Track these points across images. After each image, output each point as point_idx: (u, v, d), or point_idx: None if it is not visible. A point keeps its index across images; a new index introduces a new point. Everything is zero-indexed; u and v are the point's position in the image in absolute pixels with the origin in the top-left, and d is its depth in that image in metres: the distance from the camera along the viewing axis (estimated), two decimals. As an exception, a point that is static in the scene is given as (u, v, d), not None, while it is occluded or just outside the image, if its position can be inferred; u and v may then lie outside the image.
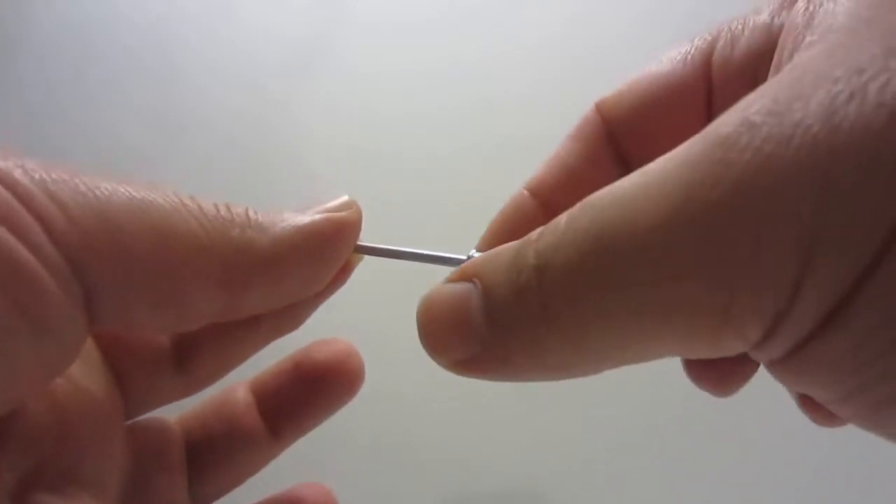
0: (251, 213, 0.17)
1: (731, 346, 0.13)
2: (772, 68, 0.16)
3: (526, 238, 0.15)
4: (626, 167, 0.20)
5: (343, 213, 0.18)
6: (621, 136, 0.19)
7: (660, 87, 0.19)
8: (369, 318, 0.38)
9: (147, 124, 0.63)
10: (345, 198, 0.19)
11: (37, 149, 0.57)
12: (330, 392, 0.21)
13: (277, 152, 0.60)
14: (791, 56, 0.14)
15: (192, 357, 0.20)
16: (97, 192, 0.15)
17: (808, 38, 0.14)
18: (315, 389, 0.21)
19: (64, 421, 0.17)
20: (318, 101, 0.60)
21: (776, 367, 0.13)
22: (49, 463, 0.17)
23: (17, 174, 0.14)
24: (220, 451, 0.21)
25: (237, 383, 0.21)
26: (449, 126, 0.56)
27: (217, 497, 0.21)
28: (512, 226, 0.21)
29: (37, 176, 0.14)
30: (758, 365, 0.18)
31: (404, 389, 0.42)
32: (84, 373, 0.18)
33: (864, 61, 0.11)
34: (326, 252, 0.18)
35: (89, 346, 0.19)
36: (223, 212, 0.17)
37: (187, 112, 0.63)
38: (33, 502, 0.17)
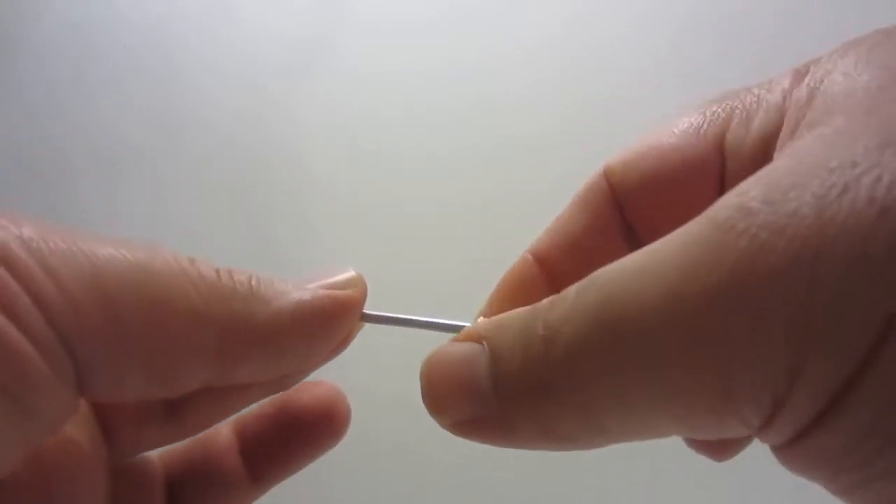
0: (253, 282, 0.17)
1: (733, 431, 0.13)
2: (776, 149, 0.16)
3: (536, 306, 0.15)
4: (632, 235, 0.20)
5: (347, 292, 0.18)
6: (629, 205, 0.19)
7: (673, 160, 0.19)
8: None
9: (147, 124, 0.63)
10: (351, 273, 0.18)
11: (37, 149, 0.57)
12: (313, 438, 0.20)
13: (277, 152, 0.60)
14: (792, 135, 0.14)
15: (182, 409, 0.19)
16: (94, 262, 0.14)
17: (808, 117, 0.14)
18: (298, 434, 0.20)
19: (47, 477, 0.17)
20: (317, 101, 0.60)
21: (779, 453, 0.13)
22: None
23: (14, 246, 0.14)
24: (199, 492, 0.20)
25: (222, 423, 0.21)
26: (449, 126, 0.56)
27: None
28: (516, 292, 0.21)
29: (34, 246, 0.14)
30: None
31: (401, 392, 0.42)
32: (70, 423, 0.18)
33: (859, 153, 0.12)
34: (327, 330, 0.17)
35: None
36: (225, 279, 0.16)
37: (187, 112, 0.63)
38: None
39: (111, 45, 0.66)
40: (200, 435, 0.21)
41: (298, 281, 0.18)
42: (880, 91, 0.13)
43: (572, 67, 0.57)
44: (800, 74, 0.16)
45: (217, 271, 0.16)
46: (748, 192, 0.12)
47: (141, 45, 0.65)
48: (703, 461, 0.20)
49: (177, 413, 0.19)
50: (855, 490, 0.12)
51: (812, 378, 0.11)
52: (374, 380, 0.39)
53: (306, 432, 0.20)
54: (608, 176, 0.20)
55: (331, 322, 0.17)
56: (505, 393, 0.15)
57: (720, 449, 0.19)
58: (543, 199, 0.52)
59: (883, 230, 0.11)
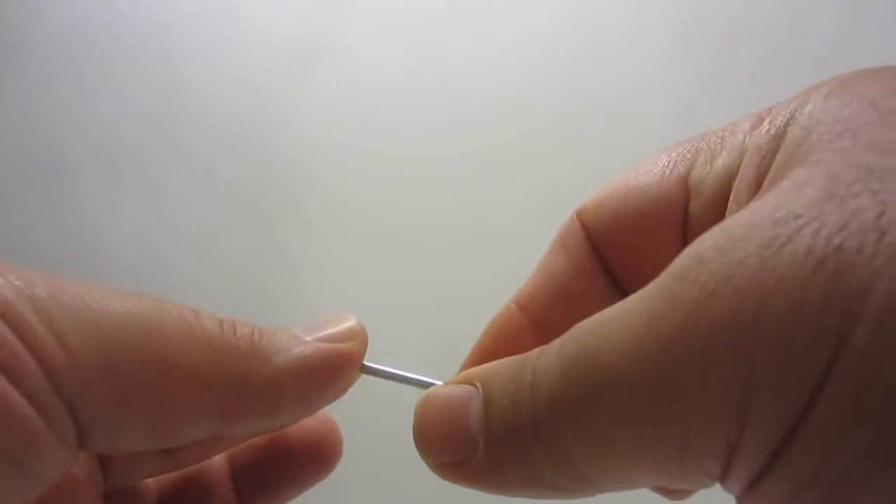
0: (255, 337, 0.17)
1: (700, 480, 0.13)
2: (734, 189, 0.16)
3: (527, 354, 0.15)
4: (611, 275, 0.20)
5: (347, 346, 0.18)
6: (603, 244, 0.20)
7: (640, 198, 0.19)
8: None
9: (147, 124, 0.63)
10: (351, 322, 0.18)
11: (37, 149, 0.57)
12: (303, 470, 0.21)
13: (277, 152, 0.60)
14: (754, 178, 0.15)
15: (178, 448, 0.19)
16: (100, 321, 0.15)
17: (773, 167, 0.14)
18: (288, 466, 0.21)
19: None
20: (317, 101, 0.60)
21: (743, 502, 0.13)
22: None
23: (21, 307, 0.14)
24: None
25: None
26: (449, 125, 0.56)
27: None
28: (501, 342, 0.21)
29: (41, 306, 0.14)
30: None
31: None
32: None
33: (802, 205, 0.12)
34: (327, 384, 0.17)
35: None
36: (227, 335, 0.16)
37: (187, 112, 0.63)
38: None
39: (111, 45, 0.66)
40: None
41: (299, 330, 0.18)
42: (837, 136, 0.13)
43: (574, 65, 0.57)
44: (760, 118, 0.16)
45: (221, 325, 0.16)
46: (704, 241, 0.13)
47: (141, 45, 0.65)
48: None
49: (172, 449, 0.19)
50: None
51: (759, 422, 0.12)
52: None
53: (297, 464, 0.20)
54: (581, 217, 0.20)
55: (331, 376, 0.17)
56: (494, 436, 0.15)
57: (672, 492, 0.20)
58: (543, 198, 0.52)
59: (819, 281, 0.11)
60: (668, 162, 0.19)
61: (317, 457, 0.20)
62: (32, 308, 0.14)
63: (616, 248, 0.19)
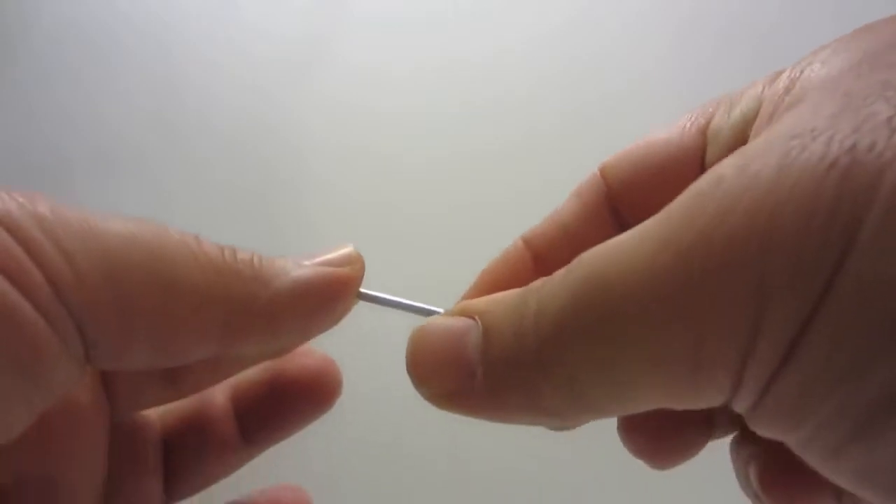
0: (255, 262, 0.17)
1: (710, 396, 0.13)
2: (752, 132, 0.17)
3: (529, 286, 0.16)
4: (624, 227, 0.21)
5: (345, 270, 0.18)
6: (620, 197, 0.20)
7: (657, 152, 0.20)
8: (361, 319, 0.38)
9: (147, 124, 0.63)
10: (349, 249, 0.19)
11: (37, 149, 0.57)
12: (305, 405, 0.21)
13: (278, 152, 0.60)
14: (770, 118, 0.16)
15: (181, 372, 0.20)
16: (105, 240, 0.15)
17: (786, 101, 0.15)
18: (290, 402, 0.21)
19: (47, 432, 0.17)
20: (318, 101, 0.60)
21: (752, 419, 0.14)
22: (29, 474, 0.18)
23: (28, 224, 0.14)
24: (194, 453, 0.21)
25: (218, 386, 0.22)
26: (449, 125, 0.56)
27: (188, 495, 0.21)
28: (505, 275, 0.22)
29: (47, 224, 0.14)
30: (702, 443, 0.19)
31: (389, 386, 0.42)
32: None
33: (819, 119, 0.13)
34: (325, 307, 0.18)
35: None
36: (229, 259, 0.17)
37: (187, 112, 0.63)
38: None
39: (111, 45, 0.66)
40: (197, 399, 0.21)
41: (298, 257, 0.18)
42: (849, 69, 0.14)
43: (574, 64, 0.57)
44: (778, 73, 0.17)
45: (222, 251, 0.17)
46: (723, 163, 0.13)
47: (141, 45, 0.65)
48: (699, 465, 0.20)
49: (175, 375, 0.20)
50: (811, 441, 0.13)
51: (772, 327, 0.12)
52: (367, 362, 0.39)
53: (299, 400, 0.21)
54: (603, 172, 0.21)
55: (329, 299, 0.18)
56: (494, 365, 0.15)
57: (664, 455, 0.20)
58: (544, 198, 0.52)
59: (831, 180, 0.12)
60: (689, 117, 0.19)
61: (317, 393, 0.21)
62: (38, 226, 0.14)
63: (634, 200, 0.20)
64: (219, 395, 0.22)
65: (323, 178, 0.59)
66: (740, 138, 0.17)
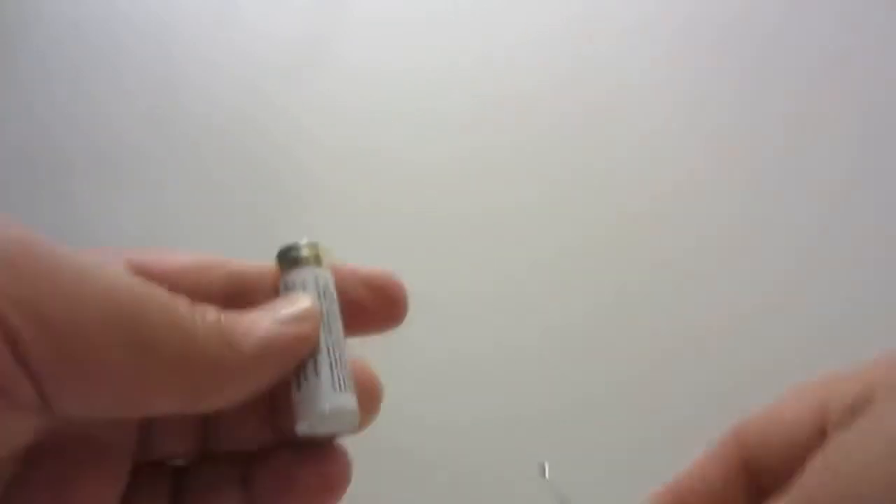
0: (224, 324, 0.18)
1: None
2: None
3: None
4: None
5: (304, 326, 0.19)
6: (762, 470, 0.22)
7: (788, 430, 0.22)
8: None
9: (147, 124, 0.63)
10: (307, 304, 0.19)
11: (37, 149, 0.57)
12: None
13: (277, 152, 0.60)
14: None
15: (217, 428, 0.21)
16: (82, 298, 0.15)
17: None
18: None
19: (64, 466, 0.18)
20: (317, 101, 0.60)
21: None
22: (60, 430, 0.18)
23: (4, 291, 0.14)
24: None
25: None
26: (449, 125, 0.56)
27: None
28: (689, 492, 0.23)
29: (20, 279, 0.14)
30: None
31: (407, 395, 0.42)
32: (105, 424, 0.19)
33: None
34: (288, 362, 0.19)
35: None
36: (199, 324, 0.17)
37: (187, 112, 0.63)
38: (46, 471, 0.17)
39: (111, 45, 0.66)
40: None
41: (261, 312, 0.19)
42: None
43: (574, 66, 0.57)
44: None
45: (193, 315, 0.17)
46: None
47: (141, 45, 0.65)
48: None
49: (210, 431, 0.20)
50: None
51: None
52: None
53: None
54: (741, 436, 0.23)
55: (289, 356, 0.19)
56: None
57: None
58: (544, 199, 0.52)
59: None
60: (811, 397, 0.21)
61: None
62: (10, 279, 0.14)
63: (764, 464, 0.22)
64: None
65: (322, 177, 0.58)
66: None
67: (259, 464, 0.21)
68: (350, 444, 0.21)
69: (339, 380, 0.20)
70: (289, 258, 0.21)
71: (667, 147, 0.51)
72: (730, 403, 0.44)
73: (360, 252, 0.19)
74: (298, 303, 0.19)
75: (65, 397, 0.15)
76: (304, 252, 0.22)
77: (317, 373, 0.19)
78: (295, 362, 0.19)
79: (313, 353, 0.19)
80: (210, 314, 0.17)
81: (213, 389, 0.17)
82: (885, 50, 0.51)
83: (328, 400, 0.19)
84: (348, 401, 0.19)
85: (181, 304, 0.17)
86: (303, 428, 0.19)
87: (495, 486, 0.43)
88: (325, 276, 0.20)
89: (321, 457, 0.20)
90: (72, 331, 0.15)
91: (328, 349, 0.20)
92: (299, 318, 0.19)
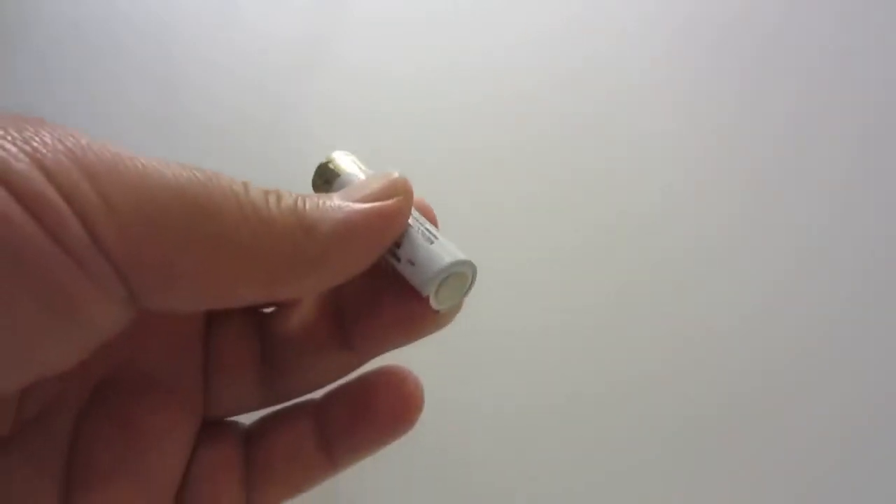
0: (299, 208, 0.17)
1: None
2: None
3: None
4: None
5: (391, 203, 0.18)
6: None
7: None
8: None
9: (147, 124, 0.63)
10: (394, 177, 0.18)
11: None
12: (386, 424, 0.20)
13: (278, 152, 0.60)
14: None
15: (277, 378, 0.20)
16: (151, 190, 0.15)
17: None
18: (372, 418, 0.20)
19: (143, 326, 0.18)
20: (318, 101, 0.60)
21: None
22: (125, 368, 0.18)
23: (68, 169, 0.14)
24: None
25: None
26: (450, 125, 0.56)
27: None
28: None
29: (92, 171, 0.14)
30: None
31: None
32: (173, 382, 0.19)
33: None
34: (371, 247, 0.18)
35: None
36: (274, 209, 0.16)
37: (187, 112, 0.63)
38: (112, 406, 0.18)
39: (111, 44, 0.66)
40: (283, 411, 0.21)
41: (342, 193, 0.18)
42: None
43: (575, 67, 0.57)
44: None
45: (267, 199, 0.16)
46: None
47: (141, 45, 0.65)
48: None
49: (275, 380, 0.20)
50: None
51: None
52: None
53: (380, 418, 0.20)
54: None
55: (376, 237, 0.17)
56: None
57: None
58: (545, 199, 0.52)
59: None
60: None
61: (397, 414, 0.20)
62: (84, 173, 0.14)
63: None
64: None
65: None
66: None
67: (330, 396, 0.21)
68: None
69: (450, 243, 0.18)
70: (330, 169, 0.20)
71: (667, 147, 0.51)
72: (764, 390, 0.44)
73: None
74: (383, 177, 0.18)
75: (145, 292, 0.15)
76: (344, 156, 0.21)
77: (429, 238, 0.18)
78: (381, 244, 0.18)
79: (409, 225, 0.18)
80: (286, 199, 0.17)
81: (289, 277, 0.16)
82: (885, 50, 0.51)
83: (456, 252, 0.18)
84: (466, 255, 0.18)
85: (252, 190, 0.16)
86: (433, 286, 0.18)
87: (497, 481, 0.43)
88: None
89: (393, 381, 0.20)
90: (145, 226, 0.14)
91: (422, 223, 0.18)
92: (386, 192, 0.18)
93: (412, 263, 0.18)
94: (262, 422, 0.21)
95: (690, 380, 0.44)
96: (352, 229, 0.17)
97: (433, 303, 0.18)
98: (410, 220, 0.18)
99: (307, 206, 0.17)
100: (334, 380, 0.21)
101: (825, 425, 0.42)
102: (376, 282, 0.20)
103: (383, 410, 0.20)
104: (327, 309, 0.21)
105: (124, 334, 0.17)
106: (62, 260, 0.14)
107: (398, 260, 0.18)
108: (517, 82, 0.57)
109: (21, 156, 0.13)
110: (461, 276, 0.19)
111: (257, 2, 0.65)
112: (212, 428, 0.20)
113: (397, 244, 0.18)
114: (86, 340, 0.15)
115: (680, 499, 0.41)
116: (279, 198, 0.17)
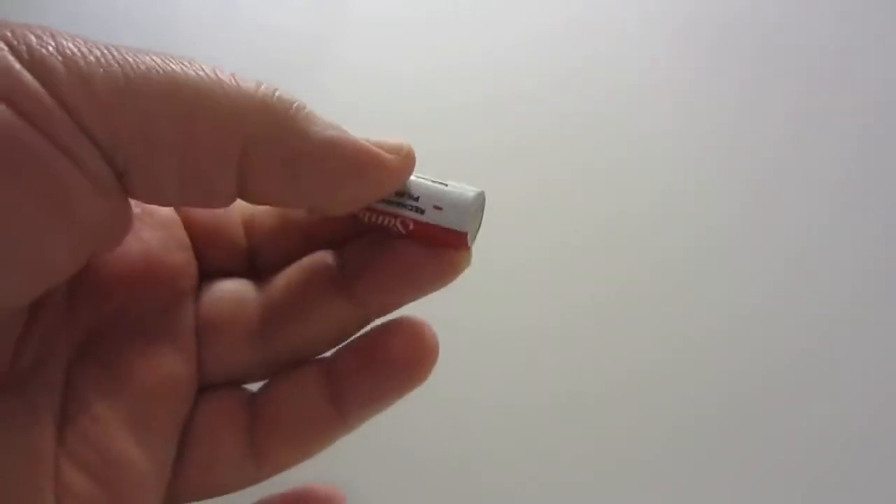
0: (294, 107, 0.17)
1: None
2: None
3: None
4: None
5: (390, 156, 0.18)
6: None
7: None
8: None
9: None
10: (402, 141, 0.18)
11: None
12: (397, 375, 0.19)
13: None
14: None
15: (271, 342, 0.20)
16: (128, 73, 0.15)
17: None
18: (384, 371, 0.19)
19: (134, 277, 0.18)
20: (318, 101, 0.60)
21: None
22: (117, 317, 0.18)
23: (51, 61, 0.14)
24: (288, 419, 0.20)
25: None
26: (450, 125, 0.56)
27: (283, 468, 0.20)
28: None
29: (70, 60, 0.14)
30: None
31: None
32: (162, 242, 0.19)
33: None
34: (352, 177, 0.17)
35: (176, 225, 0.20)
36: (264, 92, 0.16)
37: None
38: (104, 353, 0.18)
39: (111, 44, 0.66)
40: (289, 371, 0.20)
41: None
42: None
43: (575, 67, 0.57)
44: None
45: (259, 84, 0.16)
46: None
47: (141, 45, 0.65)
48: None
49: (268, 340, 0.20)
50: None
51: None
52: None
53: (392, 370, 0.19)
54: None
55: (358, 171, 0.17)
56: None
57: None
58: (545, 200, 0.52)
59: None
60: None
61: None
62: (62, 62, 0.14)
63: None
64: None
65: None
66: None
67: (340, 349, 0.20)
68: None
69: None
70: None
71: (667, 147, 0.51)
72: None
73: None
74: (392, 139, 0.18)
75: (133, 170, 0.15)
76: None
77: (441, 183, 0.18)
78: (363, 180, 0.17)
79: (418, 178, 0.18)
80: (286, 95, 0.17)
81: (265, 164, 0.16)
82: (885, 50, 0.51)
83: (470, 186, 0.18)
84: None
85: (242, 76, 0.16)
86: (468, 219, 0.18)
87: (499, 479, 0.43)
88: None
89: (407, 328, 0.19)
90: (121, 98, 0.14)
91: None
92: (389, 148, 0.18)
93: (439, 207, 0.18)
94: (269, 382, 0.20)
95: (690, 379, 0.44)
96: (336, 145, 0.17)
97: (469, 240, 0.19)
98: (415, 176, 0.19)
99: (303, 109, 0.17)
100: (338, 338, 0.20)
101: (826, 425, 0.42)
102: (377, 238, 0.19)
103: (396, 356, 0.19)
104: (327, 264, 0.20)
105: (115, 285, 0.17)
106: (52, 152, 0.14)
107: (421, 211, 0.18)
108: (517, 82, 0.57)
109: None
110: (480, 209, 0.20)
111: (257, 2, 0.65)
112: (214, 389, 0.19)
113: (414, 197, 0.18)
114: (84, 238, 0.15)
115: (681, 498, 0.41)
116: (277, 89, 0.17)
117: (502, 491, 0.42)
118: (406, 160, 0.18)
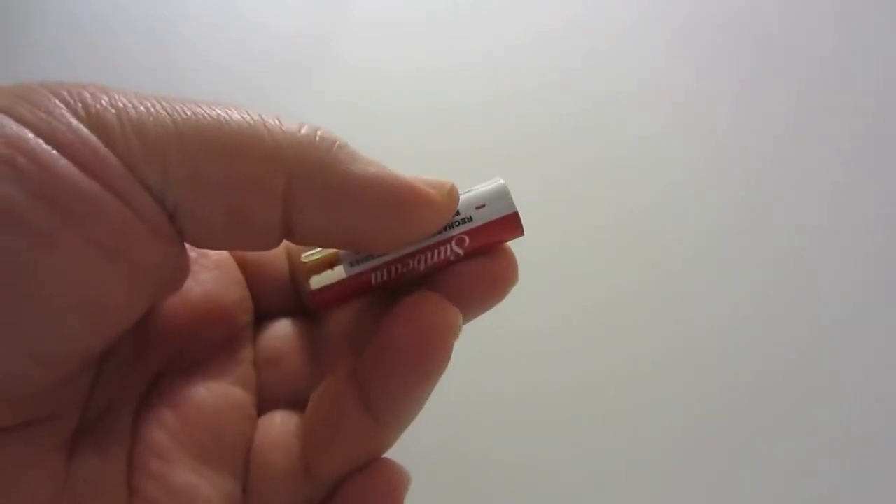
0: (336, 144, 0.17)
1: None
2: None
3: None
4: None
5: (432, 191, 0.18)
6: None
7: None
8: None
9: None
10: (447, 181, 0.18)
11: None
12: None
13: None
14: None
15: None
16: (177, 120, 0.15)
17: None
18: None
19: (196, 318, 0.19)
20: (318, 101, 0.60)
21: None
22: (178, 360, 0.19)
23: (108, 116, 0.15)
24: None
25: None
26: (450, 126, 0.56)
27: None
28: None
29: (124, 113, 0.15)
30: None
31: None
32: (219, 281, 0.20)
33: None
34: (393, 212, 0.17)
35: (230, 265, 0.21)
36: (307, 133, 0.17)
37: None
38: (168, 393, 0.18)
39: (111, 44, 0.66)
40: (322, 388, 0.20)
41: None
42: None
43: (575, 64, 0.57)
44: None
45: (300, 123, 0.17)
46: None
47: (141, 45, 0.65)
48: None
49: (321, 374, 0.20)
50: None
51: None
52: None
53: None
54: None
55: (399, 207, 0.17)
56: None
57: None
58: (545, 200, 0.52)
59: None
60: None
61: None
62: (116, 116, 0.15)
63: None
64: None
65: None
66: None
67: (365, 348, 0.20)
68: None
69: None
70: None
71: (667, 147, 0.51)
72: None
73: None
74: (437, 179, 0.18)
75: (184, 217, 0.16)
76: None
77: (465, 190, 0.19)
78: (404, 216, 0.18)
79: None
80: (327, 134, 0.17)
81: (307, 198, 0.17)
82: (885, 50, 0.51)
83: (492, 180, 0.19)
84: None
85: (285, 117, 0.17)
86: (512, 199, 0.18)
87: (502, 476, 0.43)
88: None
89: (406, 309, 0.18)
90: (175, 152, 0.15)
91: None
92: (433, 184, 0.18)
93: (481, 206, 0.18)
94: (310, 400, 0.20)
95: (696, 380, 0.44)
96: (377, 181, 0.17)
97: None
98: None
99: (346, 148, 0.18)
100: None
101: (826, 425, 0.42)
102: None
103: (400, 340, 0.18)
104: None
105: (178, 327, 0.18)
106: (108, 197, 0.14)
107: (468, 220, 0.18)
108: (517, 82, 0.57)
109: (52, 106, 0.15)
110: None
111: (257, 2, 0.65)
112: (270, 414, 0.20)
113: (455, 212, 0.18)
114: (145, 282, 0.16)
115: (683, 499, 0.41)
116: (319, 129, 0.17)
117: (509, 490, 0.42)
118: (449, 197, 0.18)
